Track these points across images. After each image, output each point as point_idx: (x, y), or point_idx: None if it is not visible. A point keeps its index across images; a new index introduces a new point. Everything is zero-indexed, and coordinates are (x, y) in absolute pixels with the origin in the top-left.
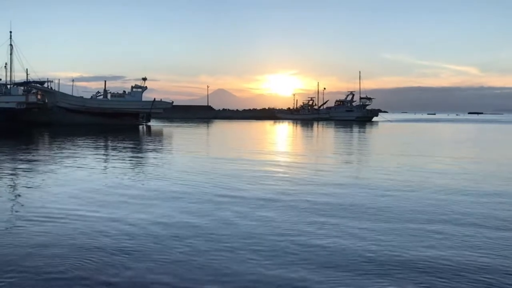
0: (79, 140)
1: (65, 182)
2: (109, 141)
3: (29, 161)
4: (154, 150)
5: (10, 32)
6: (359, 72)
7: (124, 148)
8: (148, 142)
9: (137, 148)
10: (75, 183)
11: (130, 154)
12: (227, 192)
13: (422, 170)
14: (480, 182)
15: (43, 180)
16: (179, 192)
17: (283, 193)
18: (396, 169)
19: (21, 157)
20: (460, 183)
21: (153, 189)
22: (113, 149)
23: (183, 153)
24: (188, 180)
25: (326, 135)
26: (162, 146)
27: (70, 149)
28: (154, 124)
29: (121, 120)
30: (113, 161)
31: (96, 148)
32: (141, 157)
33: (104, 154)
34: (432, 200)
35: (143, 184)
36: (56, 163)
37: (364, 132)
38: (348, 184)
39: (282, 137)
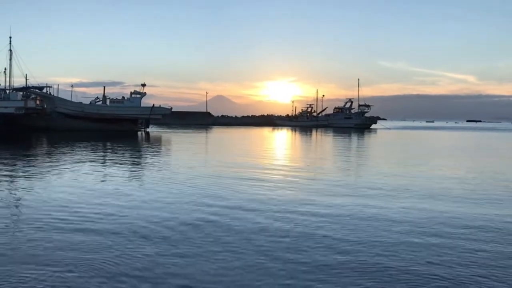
0: (77, 147)
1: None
2: (107, 149)
3: (25, 171)
4: (150, 163)
5: (10, 37)
6: (358, 79)
7: (120, 159)
8: (146, 151)
9: (134, 159)
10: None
11: (126, 167)
12: (208, 219)
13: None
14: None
15: (29, 192)
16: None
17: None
18: (391, 184)
19: (17, 164)
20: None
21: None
22: (110, 160)
23: (179, 167)
24: (177, 209)
25: (324, 143)
26: (159, 156)
27: (65, 158)
28: (152, 130)
29: (119, 126)
30: (106, 176)
31: (92, 158)
32: (136, 172)
33: (99, 166)
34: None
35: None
36: (46, 175)
37: (362, 139)
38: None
39: (279, 145)
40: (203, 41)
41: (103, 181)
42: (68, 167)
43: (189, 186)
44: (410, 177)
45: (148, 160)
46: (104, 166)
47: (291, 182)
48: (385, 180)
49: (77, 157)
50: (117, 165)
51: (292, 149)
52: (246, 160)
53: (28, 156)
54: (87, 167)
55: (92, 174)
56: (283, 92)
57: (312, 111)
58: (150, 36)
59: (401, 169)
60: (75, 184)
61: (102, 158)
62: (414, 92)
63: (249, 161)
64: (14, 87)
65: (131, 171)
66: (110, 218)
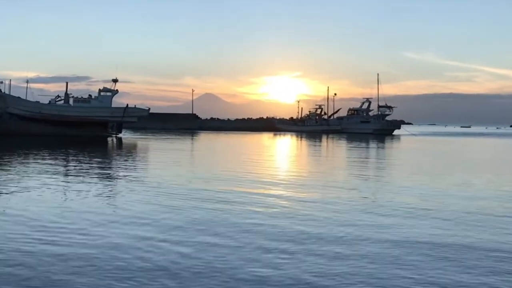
0: (29, 158)
1: None
2: (68, 161)
3: None
4: (116, 190)
5: None
6: (378, 74)
7: (83, 175)
8: (116, 165)
9: (99, 176)
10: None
11: (88, 188)
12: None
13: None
14: None
15: None
16: None
17: None
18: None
19: None
20: None
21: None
22: (69, 176)
23: (153, 193)
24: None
25: (334, 155)
26: (130, 172)
27: (10, 173)
28: (126, 136)
29: (85, 130)
30: (59, 199)
31: (43, 176)
32: (99, 199)
33: (49, 187)
34: None
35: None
36: None
37: (383, 149)
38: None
39: (282, 158)
40: (189, 28)
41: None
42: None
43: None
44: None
45: (116, 185)
46: (59, 186)
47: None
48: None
49: (25, 171)
50: (77, 183)
51: (299, 165)
52: (240, 189)
53: None
54: (32, 188)
55: (37, 198)
56: (286, 90)
57: (322, 113)
58: (124, 22)
59: (435, 203)
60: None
61: (58, 174)
62: (446, 91)
63: (245, 190)
64: None
65: (94, 193)
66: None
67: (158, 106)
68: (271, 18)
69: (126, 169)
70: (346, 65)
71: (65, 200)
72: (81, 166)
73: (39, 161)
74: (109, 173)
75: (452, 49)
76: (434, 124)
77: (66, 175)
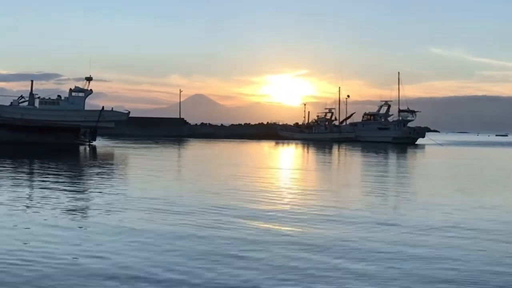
0: None
1: None
2: (31, 174)
3: None
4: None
5: None
6: (398, 73)
7: (46, 195)
8: (83, 183)
9: (67, 196)
10: None
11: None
12: None
13: None
14: None
15: None
16: None
17: None
18: None
19: None
20: None
21: None
22: (29, 195)
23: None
24: None
25: (350, 170)
26: (102, 193)
27: None
28: (101, 143)
29: (53, 137)
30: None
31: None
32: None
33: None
34: None
35: None
36: None
37: (404, 161)
38: None
39: (281, 176)
40: (176, 18)
41: None
42: None
43: None
44: None
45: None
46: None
47: None
48: None
49: None
50: (37, 206)
51: (307, 189)
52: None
53: None
54: None
55: None
56: (290, 91)
57: (332, 118)
58: (98, 11)
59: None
60: None
61: (16, 191)
62: (478, 93)
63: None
64: None
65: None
66: None
67: (139, 109)
68: (272, 8)
69: (96, 189)
70: (361, 62)
71: None
72: (38, 186)
73: None
74: (68, 202)
75: (484, 44)
76: (465, 132)
77: (29, 191)
